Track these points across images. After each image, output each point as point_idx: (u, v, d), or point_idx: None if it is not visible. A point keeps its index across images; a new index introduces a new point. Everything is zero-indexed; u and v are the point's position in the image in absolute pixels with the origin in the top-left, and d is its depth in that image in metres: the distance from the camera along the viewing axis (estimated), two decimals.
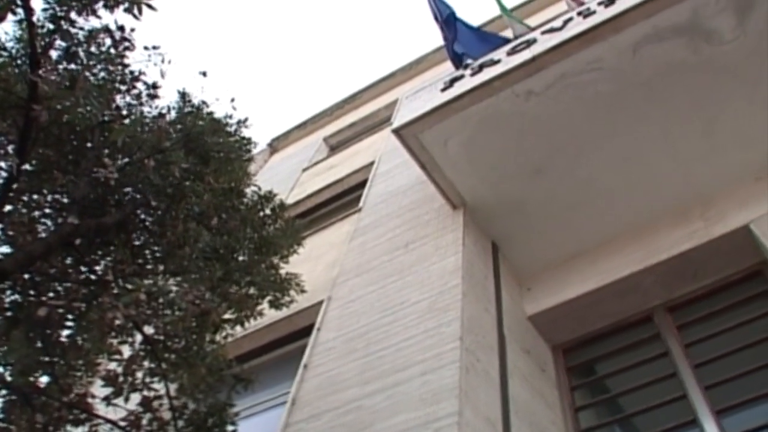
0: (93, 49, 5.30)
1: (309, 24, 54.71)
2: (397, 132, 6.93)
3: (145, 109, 5.73)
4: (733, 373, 5.35)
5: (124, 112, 5.54)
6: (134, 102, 5.74)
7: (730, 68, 6.31)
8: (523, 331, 6.26)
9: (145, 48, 5.42)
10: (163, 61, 5.47)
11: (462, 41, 9.31)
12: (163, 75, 5.59)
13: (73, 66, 5.14)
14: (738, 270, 6.24)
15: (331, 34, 55.92)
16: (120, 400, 4.29)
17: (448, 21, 9.41)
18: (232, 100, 6.14)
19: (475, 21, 10.93)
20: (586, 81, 6.45)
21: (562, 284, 6.72)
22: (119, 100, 5.57)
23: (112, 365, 4.55)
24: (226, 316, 5.24)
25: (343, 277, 7.06)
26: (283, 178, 12.84)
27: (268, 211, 6.31)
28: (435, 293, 5.74)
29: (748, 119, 6.48)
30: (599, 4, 6.85)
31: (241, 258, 5.71)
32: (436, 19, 9.54)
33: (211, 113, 5.92)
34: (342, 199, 10.63)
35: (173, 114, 5.84)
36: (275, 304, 5.62)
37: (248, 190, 6.18)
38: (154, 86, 5.74)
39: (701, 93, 6.44)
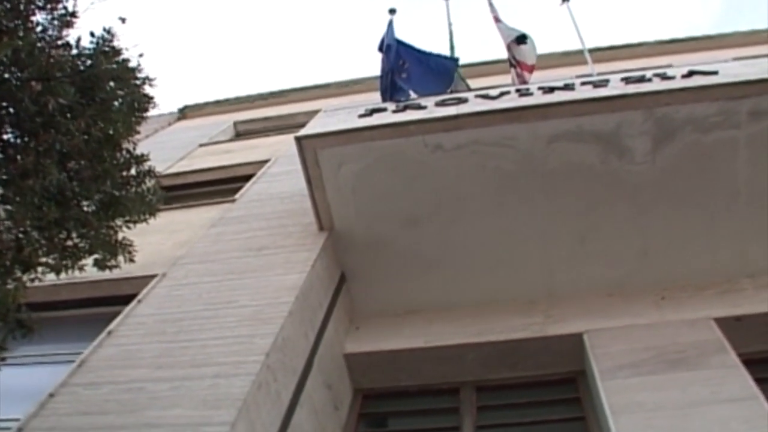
0: None
1: (277, 14, 54.32)
2: (299, 140, 6.93)
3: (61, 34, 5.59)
4: None
5: (39, 29, 5.38)
6: (57, 23, 5.59)
7: (627, 188, 6.64)
8: (333, 366, 6.28)
9: None
10: None
11: (413, 78, 9.37)
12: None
13: None
14: (556, 372, 6.44)
15: (298, 30, 55.60)
16: None
17: (389, 52, 9.44)
18: (141, 55, 6.02)
19: None
20: (494, 153, 6.64)
21: (391, 334, 6.78)
22: (40, 16, 5.40)
23: None
24: (47, 260, 5.09)
25: (186, 259, 6.97)
26: (178, 146, 12.70)
27: (133, 172, 6.18)
28: (264, 303, 5.72)
29: (623, 239, 6.81)
30: (539, 88, 7.11)
31: (85, 209, 5.58)
32: (380, 48, 9.56)
33: (126, 60, 5.79)
34: (222, 185, 10.52)
35: (87, 48, 5.69)
36: (100, 264, 5.48)
37: (126, 146, 6.05)
38: (73, 15, 5.59)
39: (592, 200, 6.73)
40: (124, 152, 6.10)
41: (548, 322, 6.66)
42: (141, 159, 6.26)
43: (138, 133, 6.31)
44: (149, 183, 6.34)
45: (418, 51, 9.59)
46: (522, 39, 10.73)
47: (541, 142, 6.56)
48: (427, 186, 6.83)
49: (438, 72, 9.57)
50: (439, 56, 9.78)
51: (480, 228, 6.93)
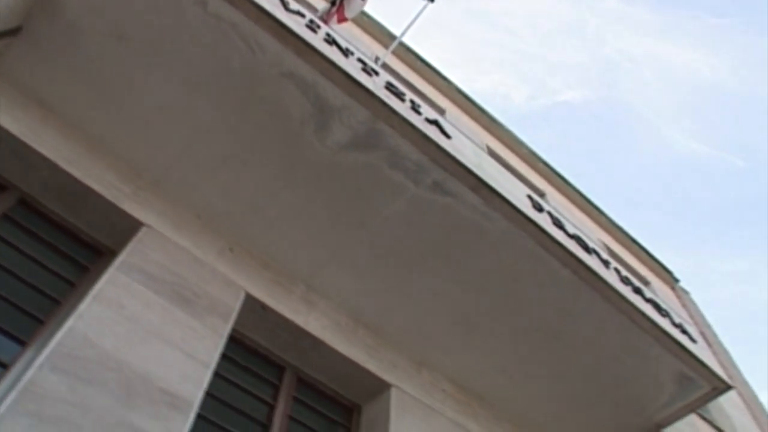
0: None
1: None
2: None
3: None
4: None
5: None
6: None
7: (295, 154, 6.62)
8: None
9: None
10: None
11: None
12: None
13: None
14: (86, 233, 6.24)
15: None
16: None
17: None
18: None
19: None
20: (237, 47, 6.22)
21: (37, 124, 6.18)
22: None
23: None
24: None
25: None
26: None
27: None
28: None
29: (256, 188, 6.78)
30: (327, 34, 6.81)
31: None
32: None
33: None
34: None
35: None
36: None
37: None
38: None
39: (260, 139, 6.58)
40: None
41: (133, 196, 6.41)
42: None
43: None
44: None
45: None
46: None
47: (275, 70, 6.27)
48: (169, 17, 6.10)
49: None
50: None
51: (167, 89, 6.36)
